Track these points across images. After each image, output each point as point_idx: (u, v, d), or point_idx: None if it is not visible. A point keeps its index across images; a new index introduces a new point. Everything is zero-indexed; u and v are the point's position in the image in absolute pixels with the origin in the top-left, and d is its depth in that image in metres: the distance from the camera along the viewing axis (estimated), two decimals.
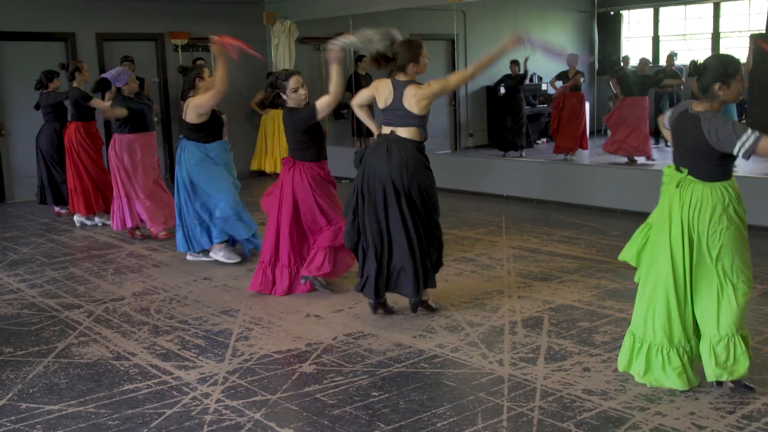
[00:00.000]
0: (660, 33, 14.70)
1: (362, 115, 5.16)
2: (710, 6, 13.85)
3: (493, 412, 3.58)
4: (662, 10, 14.54)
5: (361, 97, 5.09)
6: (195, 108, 6.16)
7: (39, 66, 10.20)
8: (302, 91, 5.32)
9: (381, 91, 4.80)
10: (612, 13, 14.49)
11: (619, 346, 4.35)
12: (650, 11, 14.68)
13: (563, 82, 11.82)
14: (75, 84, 8.13)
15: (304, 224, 5.49)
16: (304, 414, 3.64)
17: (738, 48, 12.91)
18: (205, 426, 3.54)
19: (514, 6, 14.09)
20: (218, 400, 3.81)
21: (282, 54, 11.61)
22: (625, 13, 14.74)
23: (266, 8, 11.91)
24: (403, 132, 4.74)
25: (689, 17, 14.41)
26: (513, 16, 14.15)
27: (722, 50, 13.79)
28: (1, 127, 10.02)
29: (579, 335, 4.58)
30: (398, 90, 4.72)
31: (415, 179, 4.74)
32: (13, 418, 3.68)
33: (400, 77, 4.74)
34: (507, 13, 14.01)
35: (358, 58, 11.95)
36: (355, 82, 11.96)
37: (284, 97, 5.33)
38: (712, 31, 13.89)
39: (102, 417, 3.66)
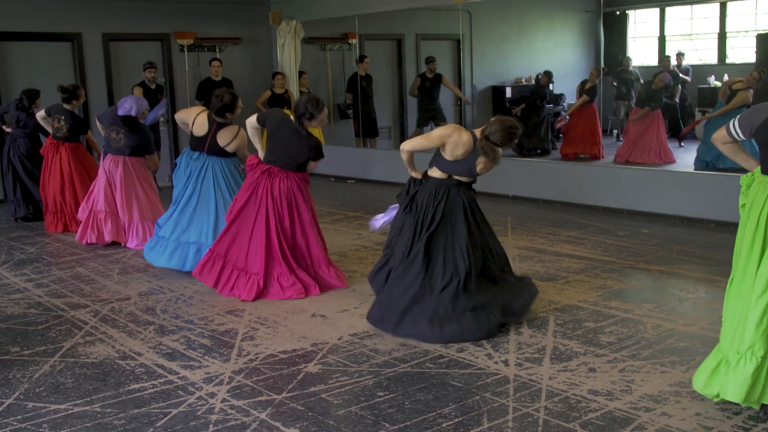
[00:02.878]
0: (666, 33, 14.68)
1: (407, 158, 4.96)
2: (716, 6, 13.82)
3: (498, 413, 3.58)
4: (668, 9, 14.51)
5: (419, 144, 4.89)
6: (232, 145, 6.12)
7: (46, 66, 10.27)
8: (324, 123, 5.68)
9: (461, 143, 4.65)
10: (618, 13, 14.47)
11: (625, 347, 4.36)
12: (656, 11, 14.66)
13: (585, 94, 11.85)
14: (69, 107, 8.08)
15: (286, 231, 5.58)
16: (310, 414, 3.64)
17: (744, 48, 12.88)
18: (211, 425, 3.55)
19: (519, 6, 14.08)
20: (224, 400, 3.82)
21: (287, 54, 11.62)
22: (631, 12, 14.72)
23: (272, 8, 11.92)
24: (462, 179, 4.84)
25: (695, 17, 14.38)
26: (518, 16, 14.15)
27: (729, 50, 13.77)
28: (8, 126, 10.02)
29: (585, 335, 4.58)
30: (475, 154, 4.66)
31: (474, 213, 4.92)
32: (19, 417, 3.69)
33: (485, 144, 4.62)
34: (512, 13, 14.00)
35: (360, 59, 11.97)
36: (355, 83, 11.99)
37: (307, 123, 5.48)
38: (718, 31, 13.86)
39: (108, 416, 3.67)
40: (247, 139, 6.13)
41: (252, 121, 5.71)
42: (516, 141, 4.68)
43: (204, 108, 6.30)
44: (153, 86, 10.40)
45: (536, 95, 12.70)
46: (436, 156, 4.81)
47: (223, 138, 6.09)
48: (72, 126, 8.08)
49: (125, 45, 10.92)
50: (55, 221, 8.14)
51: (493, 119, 4.61)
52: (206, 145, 6.13)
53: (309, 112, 5.43)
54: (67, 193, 8.12)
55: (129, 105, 7.15)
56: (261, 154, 5.72)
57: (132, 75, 10.78)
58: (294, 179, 5.58)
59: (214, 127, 6.11)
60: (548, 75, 12.65)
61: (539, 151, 12.51)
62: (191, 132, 6.19)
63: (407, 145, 4.89)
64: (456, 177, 4.80)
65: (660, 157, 10.77)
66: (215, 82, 10.82)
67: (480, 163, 4.70)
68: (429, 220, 4.75)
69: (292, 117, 5.56)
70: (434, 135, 4.73)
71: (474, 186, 4.99)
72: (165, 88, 10.95)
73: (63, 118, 8.06)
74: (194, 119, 6.16)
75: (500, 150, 4.66)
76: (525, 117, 12.43)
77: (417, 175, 4.91)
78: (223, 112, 6.04)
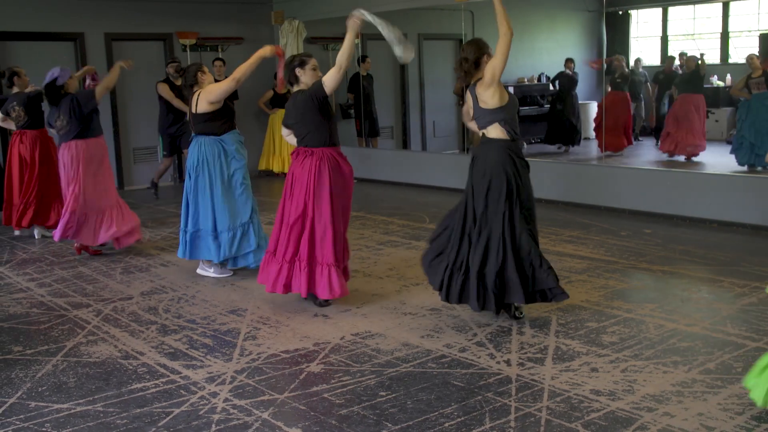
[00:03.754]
0: (668, 32, 14.66)
1: (472, 127, 4.99)
2: (719, 5, 13.80)
3: (500, 412, 3.57)
4: (671, 9, 14.50)
5: (465, 113, 5.03)
6: (207, 94, 5.88)
7: (48, 66, 10.22)
8: (319, 74, 5.20)
9: (468, 102, 4.85)
10: (620, 12, 14.45)
11: (627, 347, 4.35)
12: (659, 11, 14.64)
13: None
14: (16, 89, 7.69)
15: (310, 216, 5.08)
16: (312, 413, 3.64)
17: (747, 48, 12.86)
18: (213, 425, 3.55)
19: (522, 6, 14.06)
20: (226, 400, 3.82)
21: (290, 54, 11.60)
22: (633, 12, 14.71)
23: (274, 8, 11.92)
24: (491, 132, 4.73)
25: (698, 17, 14.36)
26: (521, 16, 14.12)
27: (731, 50, 13.76)
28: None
29: (587, 335, 4.57)
30: (472, 92, 4.76)
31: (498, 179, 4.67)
32: (22, 416, 3.70)
33: (471, 80, 4.76)
34: (515, 13, 13.85)
35: (361, 59, 11.96)
36: (357, 83, 12.00)
37: (301, 75, 5.15)
38: (720, 31, 13.85)
39: (110, 416, 3.68)
40: (217, 86, 5.92)
41: (284, 131, 5.45)
42: (488, 49, 4.76)
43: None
44: (178, 82, 10.41)
45: (569, 85, 12.85)
46: None
47: (202, 104, 5.89)
48: (26, 105, 7.57)
49: (128, 45, 10.93)
50: (15, 215, 7.66)
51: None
52: (191, 123, 6.01)
53: (298, 58, 5.17)
54: (26, 184, 7.63)
55: (52, 73, 6.78)
56: None
57: (134, 75, 10.76)
58: (317, 157, 5.06)
59: (193, 98, 5.97)
60: (571, 61, 12.95)
61: (563, 146, 12.81)
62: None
63: (465, 118, 5.03)
64: (487, 133, 4.72)
65: (699, 141, 11.12)
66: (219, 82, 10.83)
67: (478, 94, 4.68)
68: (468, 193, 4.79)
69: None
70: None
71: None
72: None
73: (15, 103, 7.61)
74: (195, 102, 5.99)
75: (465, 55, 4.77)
76: (556, 109, 12.79)
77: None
78: (193, 81, 5.97)
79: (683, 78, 11.48)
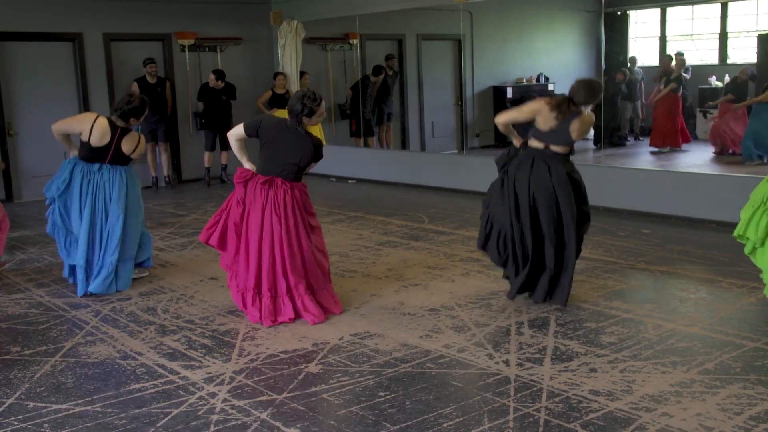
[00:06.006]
0: (667, 33, 14.68)
1: (505, 130, 5.28)
2: (717, 6, 13.83)
3: (499, 413, 3.58)
4: (669, 10, 14.52)
5: (512, 118, 5.21)
6: (138, 156, 5.87)
7: (47, 66, 10.28)
8: (323, 116, 5.15)
9: (547, 117, 5.02)
10: (619, 13, 14.47)
11: (626, 347, 4.36)
12: (657, 11, 14.67)
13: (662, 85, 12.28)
14: None
15: (289, 247, 4.97)
16: (311, 414, 3.64)
17: (745, 48, 12.88)
18: (212, 425, 3.55)
19: (520, 6, 14.08)
20: (225, 400, 3.82)
21: (288, 54, 11.62)
22: (632, 13, 14.73)
23: (273, 8, 11.92)
24: (558, 149, 5.08)
25: (696, 17, 14.38)
26: (519, 16, 14.16)
27: (730, 51, 13.78)
28: (9, 127, 10.05)
29: (585, 336, 4.57)
30: (568, 119, 5.00)
31: (567, 186, 5.07)
32: (20, 417, 3.69)
33: (572, 108, 4.99)
34: (513, 14, 14.01)
35: (376, 71, 12.11)
36: (365, 87, 12.03)
37: (306, 120, 4.96)
38: (719, 31, 13.86)
39: (109, 416, 3.67)
40: (136, 155, 5.83)
41: (237, 132, 5.12)
42: (599, 96, 5.04)
43: (96, 114, 5.85)
44: (153, 80, 10.52)
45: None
46: (533, 127, 5.14)
47: (128, 145, 5.74)
48: None
49: (126, 45, 10.92)
50: None
51: (575, 82, 5.01)
52: (109, 154, 5.71)
53: (307, 107, 4.89)
54: None
55: None
56: (248, 166, 5.11)
57: (133, 75, 10.81)
58: (297, 190, 5.03)
59: (118, 133, 5.73)
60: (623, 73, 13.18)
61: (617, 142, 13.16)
62: (88, 142, 5.69)
63: (500, 118, 5.24)
64: (553, 147, 5.06)
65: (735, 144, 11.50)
66: (216, 90, 10.86)
67: (574, 128, 5.00)
68: (512, 191, 5.11)
69: (287, 118, 5.06)
70: (525, 109, 5.14)
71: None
72: (166, 86, 10.94)
73: None
74: (91, 127, 5.68)
75: (587, 110, 5.05)
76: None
77: (517, 143, 5.25)
78: (130, 116, 5.71)
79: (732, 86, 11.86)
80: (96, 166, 5.75)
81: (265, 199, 4.95)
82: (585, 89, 4.95)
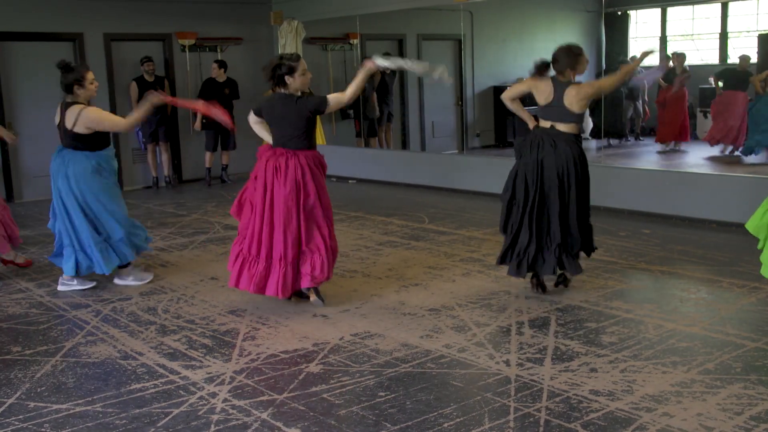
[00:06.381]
0: (667, 33, 14.68)
1: (514, 107, 5.42)
2: (718, 6, 13.82)
3: (499, 413, 3.58)
4: (669, 10, 14.52)
5: (515, 91, 5.38)
6: (88, 122, 5.56)
7: (47, 67, 10.23)
8: (308, 75, 5.18)
9: (541, 89, 5.16)
10: (619, 13, 14.47)
11: (626, 347, 4.36)
12: (657, 11, 14.66)
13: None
14: None
15: (302, 215, 5.09)
16: (311, 414, 3.64)
17: (746, 48, 12.87)
18: (212, 425, 3.55)
19: (521, 6, 14.08)
20: (225, 400, 3.82)
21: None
22: (632, 13, 14.72)
23: (273, 8, 11.92)
24: (563, 127, 5.15)
25: (697, 17, 14.38)
26: (520, 16, 14.15)
27: (730, 50, 13.77)
28: (9, 127, 10.04)
29: (586, 336, 4.57)
30: (559, 90, 5.12)
31: (577, 168, 5.18)
32: (21, 417, 3.70)
33: (560, 78, 5.16)
34: (514, 14, 14.01)
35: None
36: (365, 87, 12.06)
37: (290, 80, 5.06)
38: (719, 31, 13.86)
39: (109, 416, 3.68)
40: (104, 114, 5.67)
41: (251, 117, 5.48)
42: (580, 58, 5.11)
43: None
44: (151, 79, 10.53)
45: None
46: (537, 106, 5.23)
47: (68, 118, 5.53)
48: None
49: (127, 45, 10.93)
50: None
51: (554, 51, 5.15)
52: (61, 134, 5.57)
53: (285, 65, 5.01)
54: None
55: None
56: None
57: (133, 75, 10.80)
58: (303, 157, 5.09)
59: (62, 107, 5.58)
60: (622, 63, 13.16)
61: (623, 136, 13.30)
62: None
63: (506, 94, 5.39)
64: (558, 126, 5.13)
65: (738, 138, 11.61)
66: (219, 83, 10.85)
67: (570, 99, 5.05)
68: (524, 176, 5.19)
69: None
70: (524, 81, 5.35)
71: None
72: (164, 84, 10.93)
73: None
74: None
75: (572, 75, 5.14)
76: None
77: (531, 124, 5.37)
78: (71, 86, 5.56)
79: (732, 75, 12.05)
80: (58, 149, 5.73)
81: (273, 168, 5.11)
82: (564, 55, 5.10)
